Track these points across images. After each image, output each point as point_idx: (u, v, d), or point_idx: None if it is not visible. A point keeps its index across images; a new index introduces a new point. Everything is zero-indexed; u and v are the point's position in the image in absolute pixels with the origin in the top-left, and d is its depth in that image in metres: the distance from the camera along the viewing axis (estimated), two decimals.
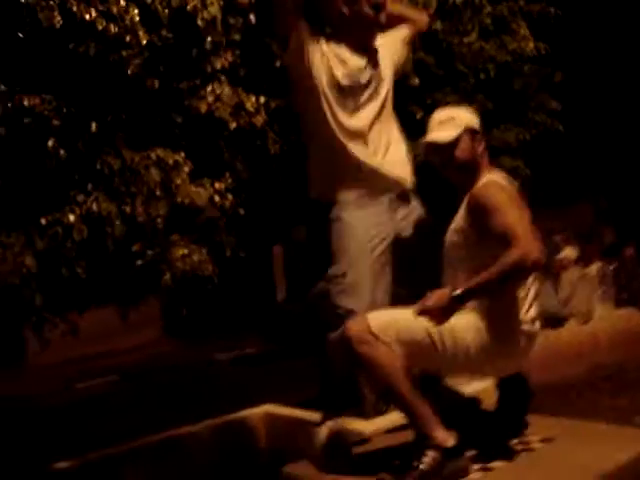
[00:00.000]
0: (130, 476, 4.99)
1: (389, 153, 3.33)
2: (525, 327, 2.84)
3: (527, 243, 2.63)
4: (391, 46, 3.47)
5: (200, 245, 4.82)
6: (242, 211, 4.89)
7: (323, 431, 3.35)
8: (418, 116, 7.73)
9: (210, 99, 4.78)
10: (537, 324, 2.93)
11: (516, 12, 8.97)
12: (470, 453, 2.84)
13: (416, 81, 6.51)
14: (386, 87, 3.38)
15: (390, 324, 2.78)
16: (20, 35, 3.36)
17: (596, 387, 8.72)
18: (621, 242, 12.24)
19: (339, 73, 3.22)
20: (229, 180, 4.66)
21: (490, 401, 3.36)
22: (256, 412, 5.51)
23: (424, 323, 2.76)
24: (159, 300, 13.79)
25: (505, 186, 2.90)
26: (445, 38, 7.77)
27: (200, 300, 13.79)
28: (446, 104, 7.65)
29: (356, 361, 2.82)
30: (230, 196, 4.60)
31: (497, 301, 2.78)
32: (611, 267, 10.95)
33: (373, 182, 3.27)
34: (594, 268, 10.39)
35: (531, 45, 8.55)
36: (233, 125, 4.97)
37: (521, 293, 2.85)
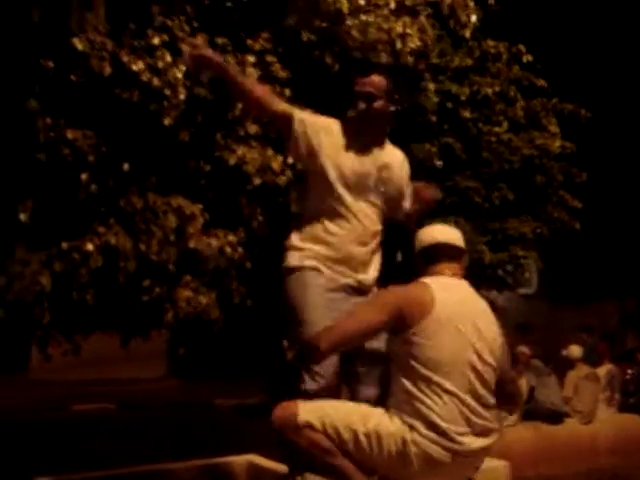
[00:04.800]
0: None
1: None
2: (447, 443, 2.75)
3: (325, 334, 2.80)
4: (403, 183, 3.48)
5: (210, 289, 5.01)
6: (249, 264, 5.09)
7: None
8: (439, 197, 7.98)
9: (240, 153, 5.04)
10: (473, 441, 2.80)
11: (549, 109, 9.25)
12: None
13: (439, 163, 6.74)
14: (383, 205, 3.41)
15: (319, 416, 2.81)
16: (72, 78, 3.67)
17: None
18: None
19: (347, 167, 3.33)
20: (242, 234, 4.89)
21: None
22: (240, 460, 5.62)
23: (352, 422, 2.80)
24: (166, 337, 13.92)
25: (413, 288, 2.92)
26: (475, 125, 8.05)
27: (208, 343, 13.87)
28: (466, 188, 7.96)
29: (286, 446, 2.90)
30: (240, 249, 4.82)
31: (421, 416, 2.75)
32: (629, 371, 10.81)
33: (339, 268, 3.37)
34: (603, 369, 10.32)
35: (558, 143, 8.82)
36: (258, 181, 5.21)
37: (452, 407, 2.77)
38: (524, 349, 9.78)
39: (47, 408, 10.57)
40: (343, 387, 3.66)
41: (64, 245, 4.05)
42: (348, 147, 3.40)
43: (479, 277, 8.86)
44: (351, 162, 3.39)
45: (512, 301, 17.16)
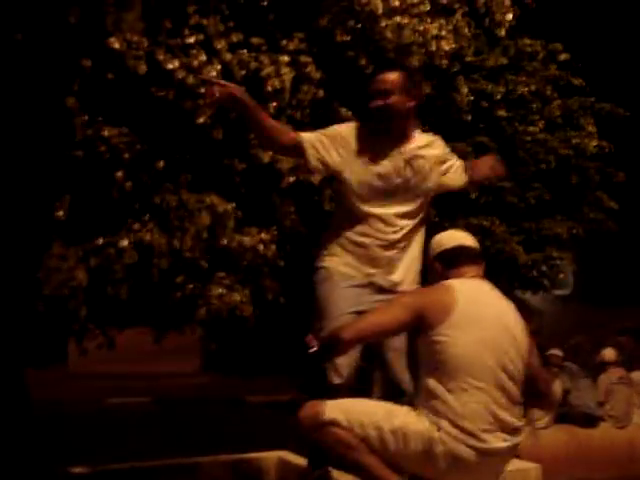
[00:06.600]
0: None
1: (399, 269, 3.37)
2: (472, 442, 2.74)
3: (348, 326, 2.91)
4: (445, 172, 3.43)
5: (244, 286, 5.06)
6: (282, 262, 5.13)
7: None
8: (473, 196, 7.97)
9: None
10: (499, 440, 2.78)
11: (587, 108, 9.14)
12: None
13: None
14: (420, 200, 3.38)
15: (344, 413, 2.82)
16: (109, 76, 3.74)
17: None
18: None
19: (369, 173, 3.30)
20: (274, 232, 4.93)
21: None
22: (270, 455, 5.64)
23: (378, 419, 2.81)
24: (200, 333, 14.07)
25: (435, 290, 2.94)
26: (511, 125, 7.99)
27: (242, 339, 13.95)
28: (500, 188, 7.90)
29: (314, 444, 2.94)
30: (273, 247, 4.86)
31: (446, 414, 2.75)
32: None
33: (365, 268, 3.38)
34: (639, 374, 10.14)
35: (594, 142, 8.72)
36: (291, 179, 5.24)
37: (477, 404, 2.76)
38: (556, 351, 9.66)
39: (84, 400, 10.74)
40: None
41: (99, 241, 4.14)
42: (368, 151, 3.35)
43: (513, 278, 8.79)
44: (373, 166, 3.34)
45: (547, 302, 16.97)
